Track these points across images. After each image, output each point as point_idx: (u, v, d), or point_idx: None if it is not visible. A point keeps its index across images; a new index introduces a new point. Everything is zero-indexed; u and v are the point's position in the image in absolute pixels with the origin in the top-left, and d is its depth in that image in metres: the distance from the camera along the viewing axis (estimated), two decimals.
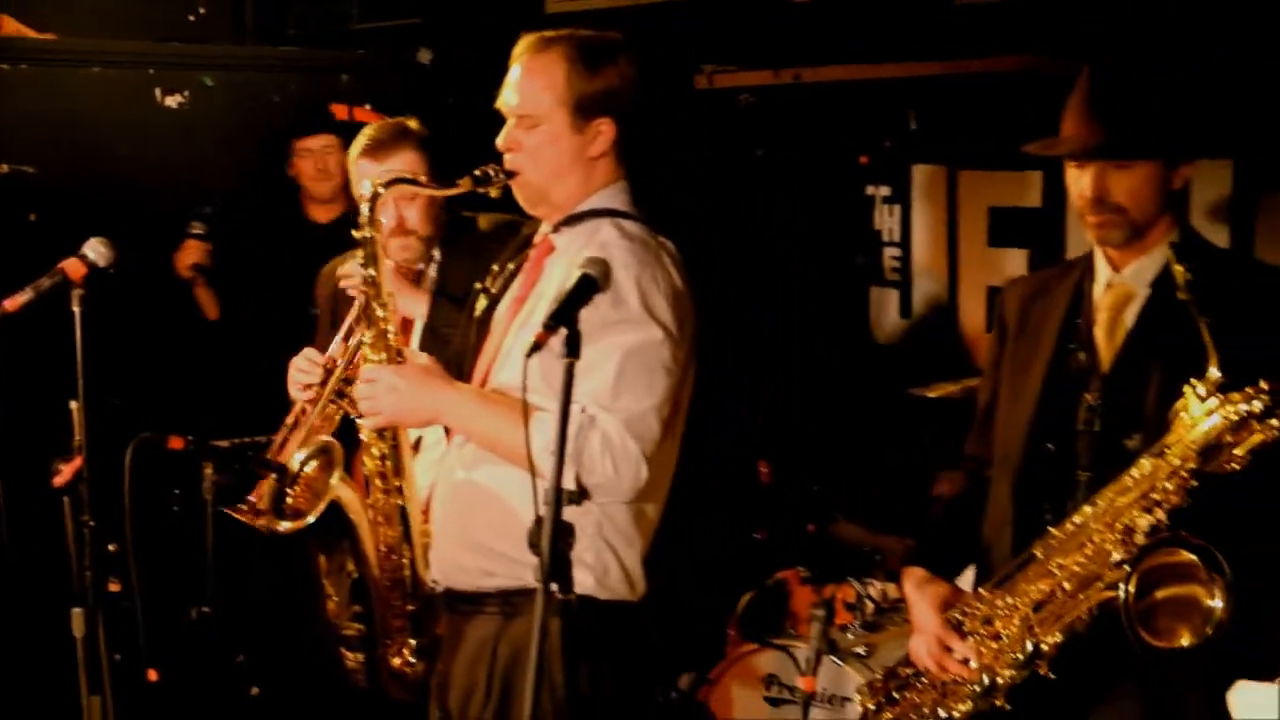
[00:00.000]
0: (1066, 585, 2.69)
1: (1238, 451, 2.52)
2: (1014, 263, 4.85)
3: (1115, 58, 2.89)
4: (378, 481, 3.17)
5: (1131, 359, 2.79)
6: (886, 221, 5.32)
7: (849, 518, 5.03)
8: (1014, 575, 2.80)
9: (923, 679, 2.97)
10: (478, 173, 3.06)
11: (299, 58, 5.85)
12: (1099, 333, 2.86)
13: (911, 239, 5.25)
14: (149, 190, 5.22)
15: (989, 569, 2.95)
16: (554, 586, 2.44)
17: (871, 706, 3.10)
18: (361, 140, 3.84)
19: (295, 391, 3.51)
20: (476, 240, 3.90)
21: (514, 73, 3.05)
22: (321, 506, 3.11)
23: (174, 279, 5.28)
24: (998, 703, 2.78)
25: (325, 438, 3.30)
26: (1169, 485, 2.57)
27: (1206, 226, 4.03)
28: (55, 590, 3.72)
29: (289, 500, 3.24)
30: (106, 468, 3.58)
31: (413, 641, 3.21)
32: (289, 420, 3.53)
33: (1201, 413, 2.53)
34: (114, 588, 3.72)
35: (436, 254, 3.92)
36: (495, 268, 3.29)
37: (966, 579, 3.05)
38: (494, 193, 3.14)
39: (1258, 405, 2.48)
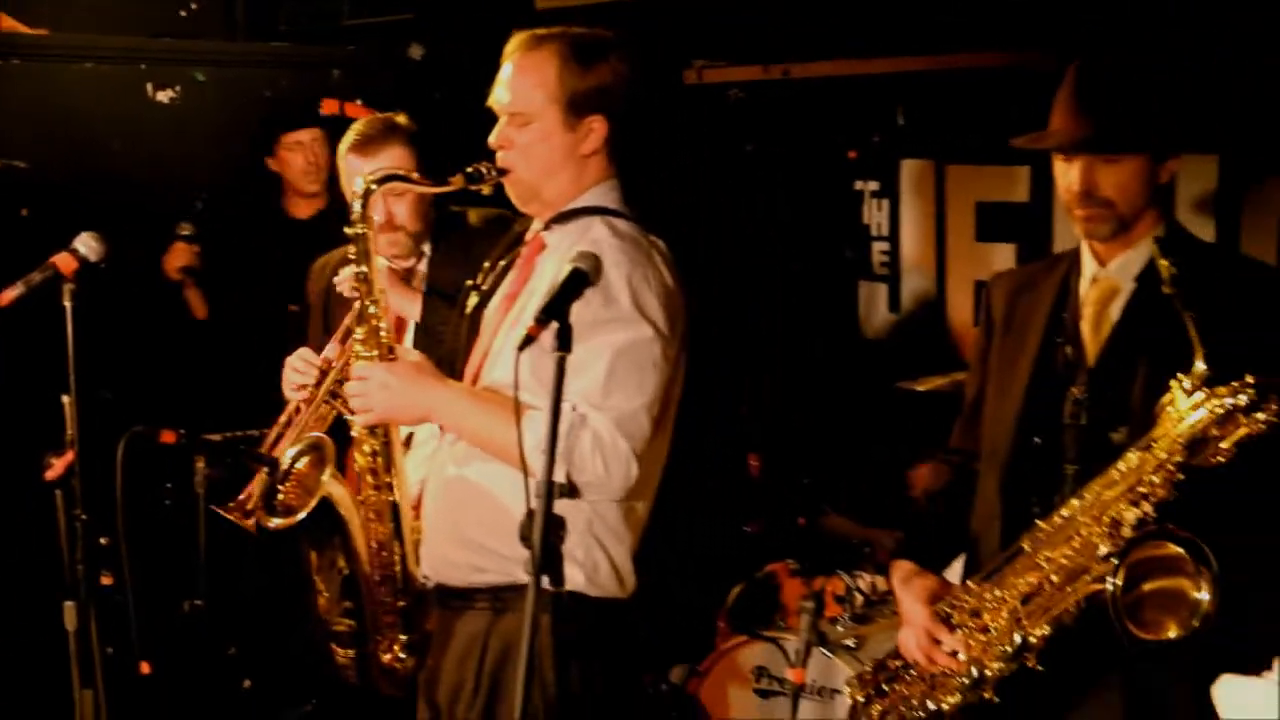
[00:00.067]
0: (1054, 578, 2.70)
1: (1224, 445, 2.52)
2: (1002, 257, 4.87)
3: (1103, 52, 2.89)
4: (369, 478, 3.17)
5: (1117, 353, 2.80)
6: (875, 216, 5.34)
7: (838, 511, 5.05)
8: (1002, 568, 2.81)
9: (911, 671, 2.98)
10: (470, 170, 3.06)
11: (290, 53, 5.84)
12: (1085, 327, 2.87)
13: (900, 234, 5.27)
14: (141, 185, 5.23)
15: (977, 562, 2.96)
16: (545, 580, 2.45)
17: (861, 699, 3.11)
18: (350, 136, 3.84)
19: (289, 391, 3.52)
20: (467, 236, 3.90)
21: (506, 70, 3.05)
22: (313, 503, 3.11)
23: (164, 277, 5.28)
24: (986, 695, 2.78)
25: (316, 434, 3.31)
26: (1155, 479, 2.57)
27: (1192, 221, 4.05)
28: (47, 584, 3.73)
29: (280, 496, 3.24)
30: (98, 461, 3.58)
31: (403, 637, 3.21)
32: (282, 418, 3.54)
33: (1187, 406, 2.54)
34: (106, 581, 3.72)
35: (426, 249, 3.93)
36: (486, 265, 3.30)
37: (955, 572, 3.07)
38: (486, 190, 3.14)
39: (1243, 399, 2.49)
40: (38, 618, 3.93)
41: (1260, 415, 2.49)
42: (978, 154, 4.90)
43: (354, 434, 3.21)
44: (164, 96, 5.38)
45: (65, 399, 3.57)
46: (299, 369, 3.50)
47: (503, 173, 3.06)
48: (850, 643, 4.28)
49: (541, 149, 3.03)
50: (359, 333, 3.14)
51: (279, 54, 5.82)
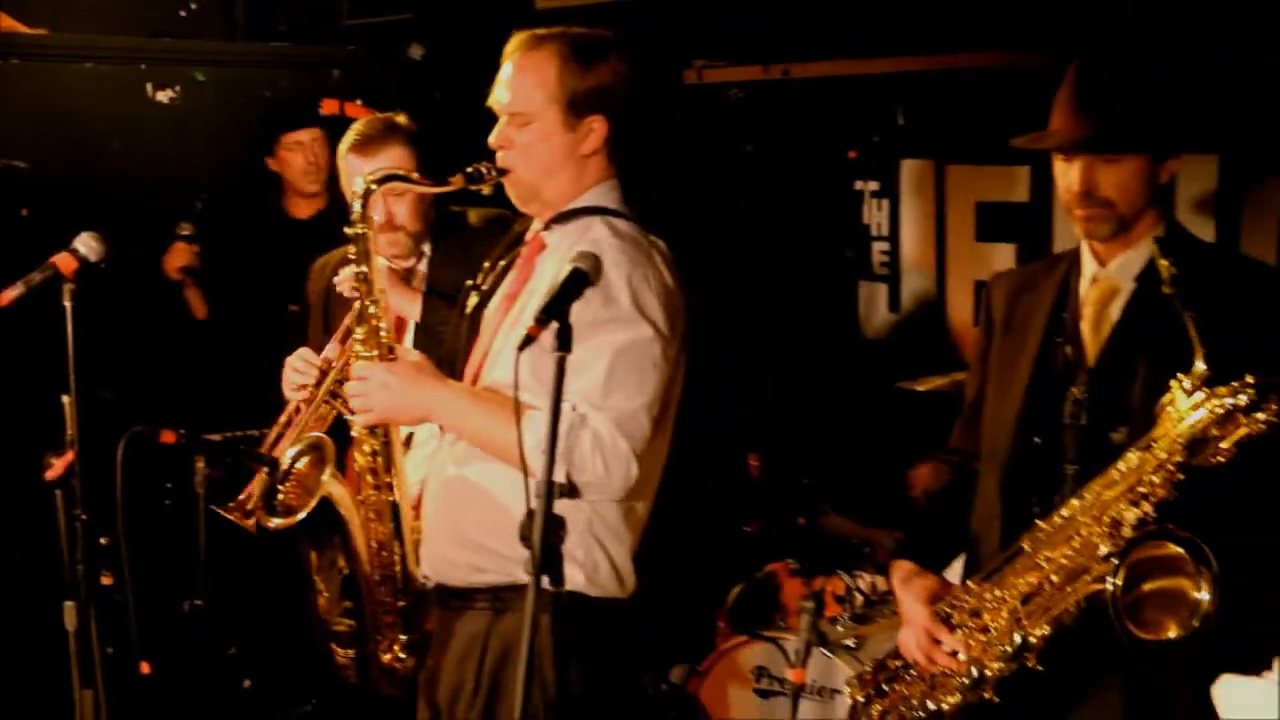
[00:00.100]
0: (1054, 578, 2.70)
1: (1224, 445, 2.52)
2: (1001, 257, 4.87)
3: (1103, 52, 2.89)
4: (369, 478, 3.17)
5: (1117, 353, 2.80)
6: (875, 216, 5.34)
7: (838, 511, 5.05)
8: (1002, 568, 2.81)
9: (911, 671, 2.98)
10: (470, 170, 3.06)
11: (290, 53, 5.84)
12: (1085, 327, 2.87)
13: (900, 234, 5.27)
14: (141, 185, 5.23)
15: (977, 562, 2.96)
16: (545, 580, 2.45)
17: (861, 699, 3.11)
18: (350, 136, 3.84)
19: (290, 391, 3.52)
20: (467, 236, 3.90)
21: (506, 70, 3.05)
22: (313, 503, 3.11)
23: (164, 277, 5.28)
24: (986, 695, 2.78)
25: (316, 434, 3.31)
26: (1155, 479, 2.57)
27: (1192, 221, 4.05)
28: (47, 584, 3.73)
29: (280, 497, 3.23)
30: (98, 461, 3.59)
31: (403, 637, 3.21)
32: (282, 418, 3.54)
33: (1188, 406, 2.54)
34: (106, 581, 3.72)
35: (426, 249, 3.93)
36: (486, 265, 3.30)
37: (955, 572, 3.07)
38: (486, 190, 3.14)
39: (1243, 399, 2.49)
40: (38, 618, 3.93)
41: (1260, 415, 2.49)
42: (978, 154, 4.90)
43: (354, 434, 3.21)
44: (164, 96, 5.38)
45: (65, 399, 3.57)
46: (299, 369, 3.50)
47: (503, 173, 3.06)
48: (850, 643, 4.28)
49: (541, 149, 3.03)
50: (359, 333, 3.14)
51: (279, 54, 5.82)
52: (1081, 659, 2.73)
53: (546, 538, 2.42)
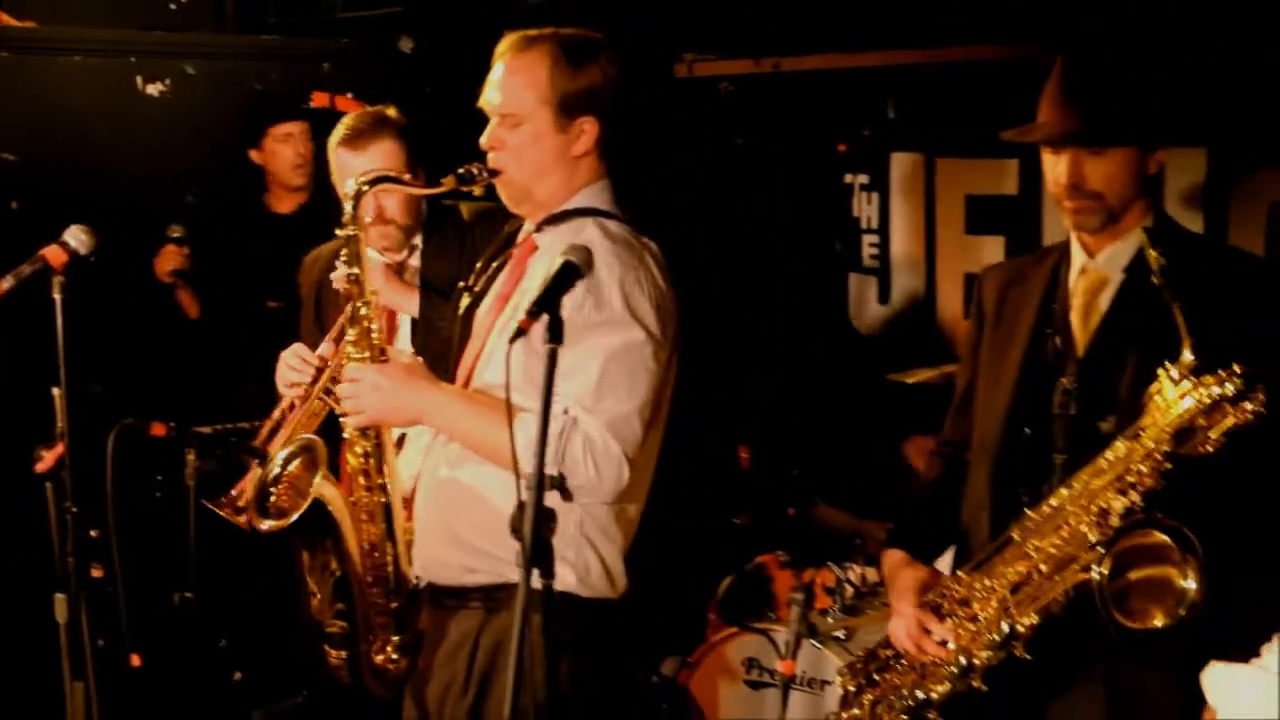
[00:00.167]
0: (1043, 567, 2.71)
1: (1211, 434, 2.53)
2: (991, 250, 4.88)
3: (1090, 45, 2.90)
4: (361, 479, 3.16)
5: (1106, 343, 2.82)
6: (865, 209, 5.35)
7: (828, 502, 5.06)
8: (991, 558, 2.83)
9: (902, 661, 3.00)
10: (461, 171, 3.05)
11: (280, 46, 5.84)
12: (1074, 318, 2.88)
13: (890, 226, 5.28)
14: (131, 179, 5.22)
15: (967, 552, 2.97)
16: (536, 576, 2.45)
17: (852, 689, 3.12)
18: (341, 130, 3.83)
19: (283, 387, 3.51)
20: (460, 228, 3.90)
21: (497, 71, 3.05)
22: (305, 505, 3.11)
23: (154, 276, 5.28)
24: (974, 684, 2.80)
25: (308, 436, 3.29)
26: (1143, 468, 2.59)
27: (1181, 213, 4.06)
28: (38, 576, 3.72)
29: (272, 499, 3.23)
30: (89, 454, 3.58)
31: (395, 638, 3.20)
32: (275, 414, 3.53)
33: (1175, 396, 2.55)
34: (97, 573, 3.71)
35: (418, 242, 3.93)
36: (479, 265, 3.30)
37: (945, 562, 3.08)
38: (477, 191, 3.14)
39: (1230, 388, 2.50)
40: (28, 610, 3.92)
41: (1247, 405, 2.50)
42: (967, 147, 4.91)
43: (346, 435, 3.21)
44: (154, 90, 5.38)
45: (55, 391, 3.56)
46: (294, 366, 3.49)
47: (494, 174, 3.05)
48: (840, 634, 4.29)
49: (533, 150, 3.03)
50: (350, 334, 3.13)
51: (269, 47, 5.82)
52: (1068, 648, 2.74)
53: (537, 530, 2.43)
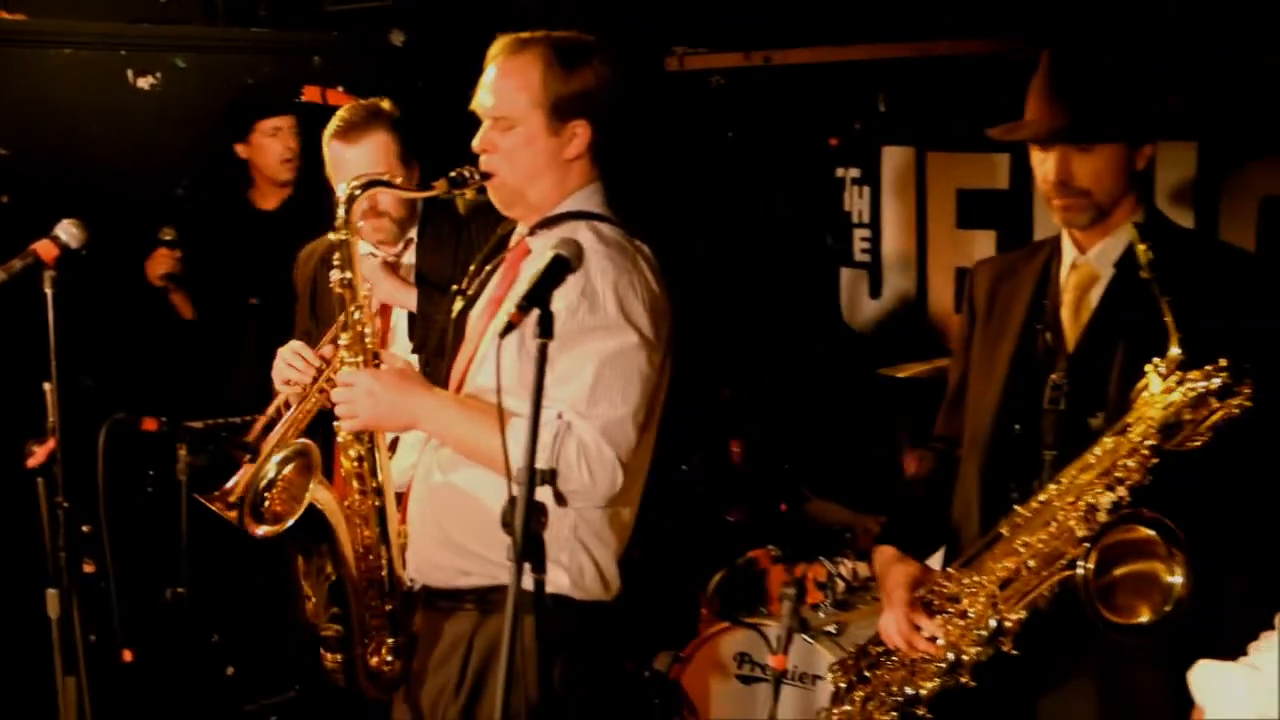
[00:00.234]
0: (1031, 563, 2.72)
1: (1199, 429, 2.54)
2: (982, 244, 4.88)
3: (1076, 40, 2.90)
4: (355, 483, 3.16)
5: (1096, 339, 2.82)
6: (856, 203, 5.35)
7: (820, 496, 5.06)
8: (981, 553, 2.83)
9: (893, 657, 3.00)
10: (453, 175, 3.04)
11: (271, 39, 5.82)
12: (1065, 313, 2.89)
13: (881, 221, 5.28)
14: (122, 172, 5.21)
15: (958, 548, 2.98)
16: (528, 575, 2.45)
17: (843, 685, 3.13)
18: (334, 122, 3.83)
19: (279, 384, 3.50)
20: (455, 223, 3.91)
21: (489, 74, 3.04)
22: (300, 510, 3.11)
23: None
24: (963, 679, 2.81)
25: (303, 440, 3.28)
26: (1130, 463, 2.59)
27: (1171, 208, 4.06)
28: (29, 571, 3.73)
29: (267, 504, 3.22)
30: (80, 449, 3.58)
31: (390, 640, 3.20)
32: (269, 410, 3.52)
33: (1161, 391, 2.56)
34: (88, 569, 3.71)
35: (413, 235, 3.93)
36: (472, 268, 3.30)
37: (936, 558, 3.09)
38: (469, 194, 3.14)
39: (1216, 383, 2.50)
40: (20, 606, 3.93)
41: (1234, 399, 2.50)
42: (958, 141, 4.91)
43: (340, 439, 3.21)
44: (144, 83, 5.36)
45: (46, 386, 3.56)
46: (294, 365, 3.48)
47: (486, 176, 3.05)
48: (832, 629, 4.29)
49: (525, 153, 3.02)
50: (343, 338, 3.13)
51: (260, 40, 5.80)
52: (1056, 644, 2.75)
53: (528, 525, 2.43)
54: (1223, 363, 2.51)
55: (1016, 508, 2.78)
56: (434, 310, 3.70)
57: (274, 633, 4.48)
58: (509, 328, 2.51)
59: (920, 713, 2.91)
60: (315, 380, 3.39)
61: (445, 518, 3.08)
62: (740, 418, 5.59)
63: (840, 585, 4.49)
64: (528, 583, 2.46)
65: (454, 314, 3.26)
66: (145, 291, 5.16)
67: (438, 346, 3.33)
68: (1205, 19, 4.01)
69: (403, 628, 3.20)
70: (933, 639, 2.86)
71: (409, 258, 3.94)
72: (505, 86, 3.01)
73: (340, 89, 5.57)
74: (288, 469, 3.21)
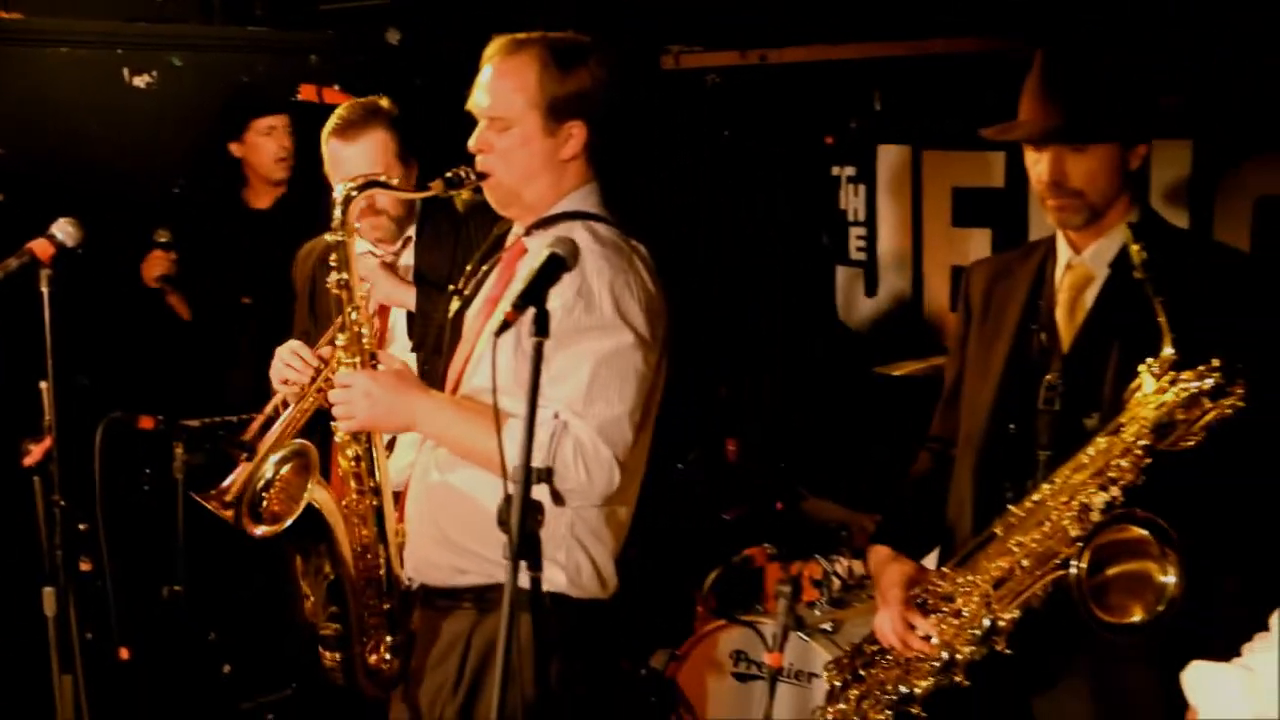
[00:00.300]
0: (1025, 563, 2.72)
1: (1192, 429, 2.54)
2: (977, 242, 4.88)
3: (1070, 40, 2.90)
4: (352, 483, 3.16)
5: (1091, 339, 2.83)
6: (852, 201, 5.35)
7: (816, 495, 5.07)
8: (975, 553, 2.84)
9: (887, 656, 3.01)
10: (449, 175, 3.05)
11: (267, 38, 5.82)
12: (1060, 314, 2.89)
13: (877, 219, 5.28)
14: (119, 171, 5.21)
15: (952, 547, 2.99)
16: (524, 574, 2.46)
17: (838, 683, 3.14)
18: (332, 121, 3.82)
19: (277, 383, 3.50)
20: (454, 221, 3.91)
21: (485, 74, 3.05)
22: (298, 510, 3.11)
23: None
24: (957, 678, 2.82)
25: (300, 441, 3.29)
26: (1124, 463, 2.60)
27: (1166, 208, 4.07)
28: (26, 570, 3.73)
29: (265, 504, 3.23)
30: (77, 447, 3.59)
31: (389, 639, 3.21)
32: (267, 409, 3.53)
33: (1155, 391, 2.56)
34: (85, 567, 3.72)
35: (411, 233, 3.93)
36: (468, 269, 3.31)
37: (931, 557, 3.09)
38: (465, 194, 3.14)
39: (1210, 383, 2.51)
40: (17, 604, 3.93)
41: (1227, 399, 2.51)
42: (954, 139, 4.91)
43: (337, 439, 3.21)
44: (141, 82, 5.36)
45: (43, 385, 3.56)
46: (294, 365, 3.47)
47: (482, 176, 3.05)
48: (827, 627, 4.30)
49: (521, 154, 3.03)
50: (340, 340, 3.13)
51: (256, 39, 5.80)
52: (1050, 643, 2.76)
53: (524, 523, 2.44)
54: (1216, 363, 2.51)
55: (1010, 507, 2.79)
56: (433, 309, 3.70)
57: (270, 631, 4.48)
58: (505, 326, 2.51)
59: (915, 711, 2.92)
60: (313, 380, 3.39)
61: (443, 516, 3.08)
62: (736, 416, 5.59)
63: (836, 583, 4.50)
64: (525, 581, 2.47)
65: (451, 314, 3.27)
66: (142, 290, 5.16)
67: (435, 345, 3.33)
68: (1200, 18, 4.01)
69: (401, 626, 3.20)
70: (927, 638, 2.87)
71: (407, 257, 3.94)
72: (501, 87, 3.01)
73: (336, 88, 5.57)
74: (286, 469, 3.22)
